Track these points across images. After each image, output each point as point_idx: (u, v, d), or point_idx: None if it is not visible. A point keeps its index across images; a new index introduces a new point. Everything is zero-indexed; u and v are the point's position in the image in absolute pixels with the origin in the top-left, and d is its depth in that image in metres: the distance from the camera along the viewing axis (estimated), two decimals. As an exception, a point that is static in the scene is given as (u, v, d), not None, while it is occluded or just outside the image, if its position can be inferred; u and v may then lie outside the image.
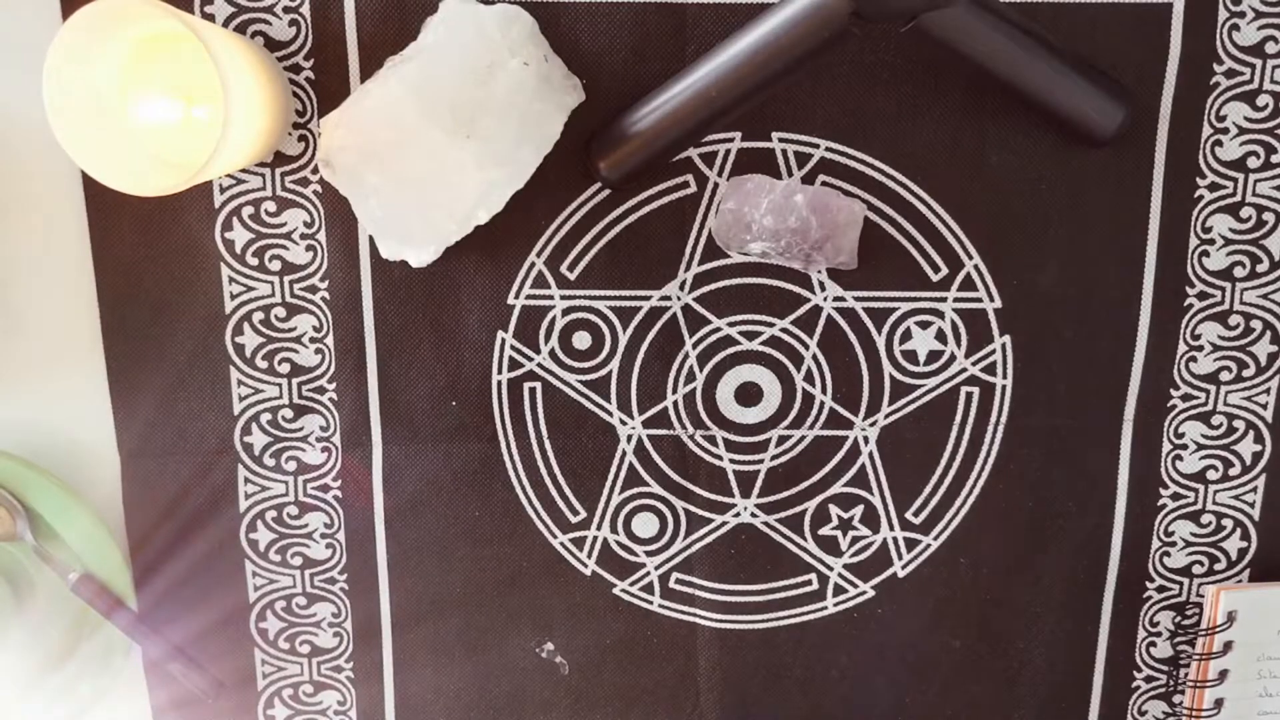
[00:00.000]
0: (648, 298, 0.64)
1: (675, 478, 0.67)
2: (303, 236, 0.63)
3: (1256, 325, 0.65)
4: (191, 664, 0.68)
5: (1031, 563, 0.68)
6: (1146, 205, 0.63)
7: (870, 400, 0.66)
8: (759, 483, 0.67)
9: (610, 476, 0.67)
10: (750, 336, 0.65)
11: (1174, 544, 0.69)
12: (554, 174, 0.61)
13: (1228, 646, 0.68)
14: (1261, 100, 0.61)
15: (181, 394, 0.65)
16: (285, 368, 0.65)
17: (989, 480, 0.67)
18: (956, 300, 0.65)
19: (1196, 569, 0.69)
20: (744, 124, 0.62)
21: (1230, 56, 0.61)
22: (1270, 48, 0.61)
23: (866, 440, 0.67)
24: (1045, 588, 0.69)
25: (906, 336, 0.65)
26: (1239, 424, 0.67)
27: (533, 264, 0.64)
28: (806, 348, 0.65)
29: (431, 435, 0.66)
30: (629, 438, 0.67)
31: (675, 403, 0.66)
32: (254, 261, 0.63)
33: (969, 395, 0.66)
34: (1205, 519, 0.68)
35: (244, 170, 0.62)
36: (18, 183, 0.62)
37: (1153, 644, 0.70)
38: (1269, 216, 0.63)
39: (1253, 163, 0.62)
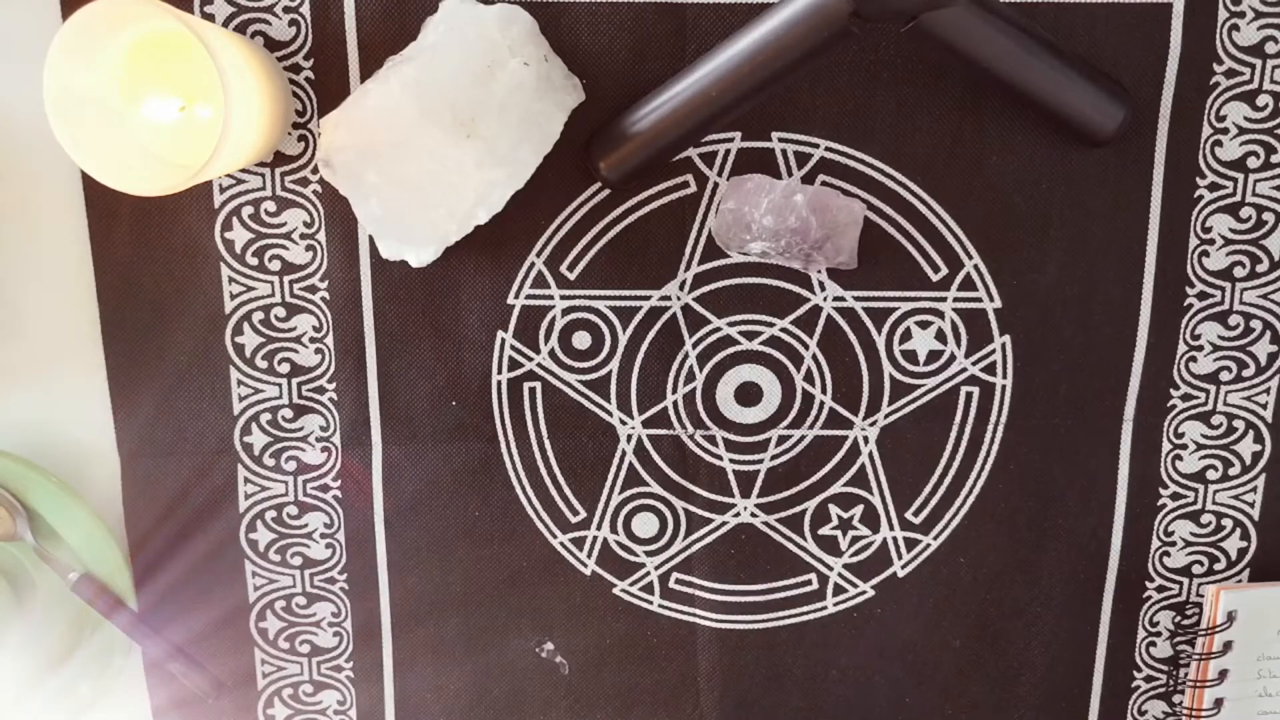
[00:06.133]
0: (647, 298, 0.64)
1: (675, 478, 0.67)
2: (302, 236, 0.63)
3: (1256, 325, 0.65)
4: (191, 664, 0.68)
5: (1031, 563, 0.68)
6: (1146, 205, 0.63)
7: (870, 400, 0.66)
8: (759, 483, 0.67)
9: (610, 476, 0.67)
10: (750, 336, 0.65)
11: (1174, 544, 0.69)
12: (554, 174, 0.61)
13: (1227, 646, 0.68)
14: (1261, 100, 0.61)
15: (181, 394, 0.65)
16: (285, 368, 0.65)
17: (989, 480, 0.67)
18: (956, 300, 0.64)
19: (1196, 569, 0.69)
20: (744, 124, 0.62)
21: (1230, 56, 0.61)
22: (1270, 48, 0.61)
23: (866, 440, 0.67)
24: (1045, 588, 0.69)
25: (906, 336, 0.65)
26: (1239, 424, 0.67)
27: (532, 264, 0.64)
28: (806, 348, 0.65)
29: (431, 435, 0.66)
30: (629, 438, 0.67)
31: (675, 403, 0.66)
32: (254, 261, 0.63)
33: (969, 395, 0.66)
34: (1205, 519, 0.68)
35: (244, 170, 0.62)
36: (18, 183, 0.62)
37: (1152, 644, 0.70)
38: (1269, 216, 0.63)
39: (1252, 163, 0.62)
